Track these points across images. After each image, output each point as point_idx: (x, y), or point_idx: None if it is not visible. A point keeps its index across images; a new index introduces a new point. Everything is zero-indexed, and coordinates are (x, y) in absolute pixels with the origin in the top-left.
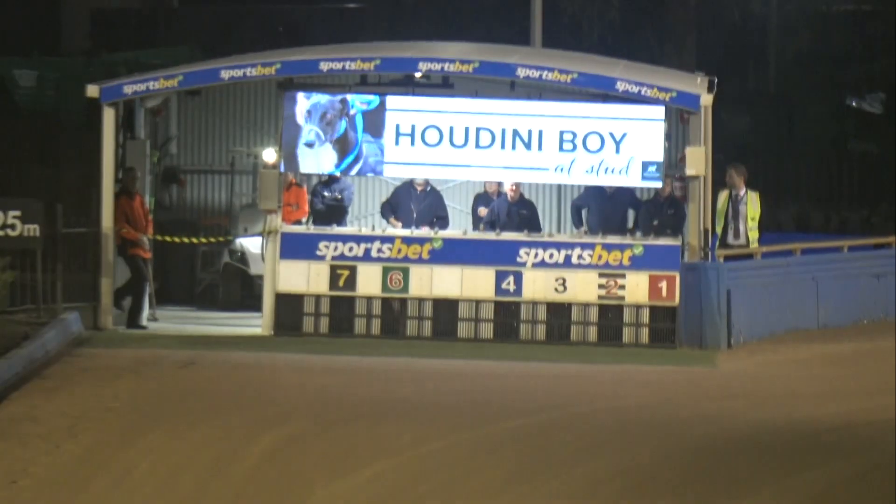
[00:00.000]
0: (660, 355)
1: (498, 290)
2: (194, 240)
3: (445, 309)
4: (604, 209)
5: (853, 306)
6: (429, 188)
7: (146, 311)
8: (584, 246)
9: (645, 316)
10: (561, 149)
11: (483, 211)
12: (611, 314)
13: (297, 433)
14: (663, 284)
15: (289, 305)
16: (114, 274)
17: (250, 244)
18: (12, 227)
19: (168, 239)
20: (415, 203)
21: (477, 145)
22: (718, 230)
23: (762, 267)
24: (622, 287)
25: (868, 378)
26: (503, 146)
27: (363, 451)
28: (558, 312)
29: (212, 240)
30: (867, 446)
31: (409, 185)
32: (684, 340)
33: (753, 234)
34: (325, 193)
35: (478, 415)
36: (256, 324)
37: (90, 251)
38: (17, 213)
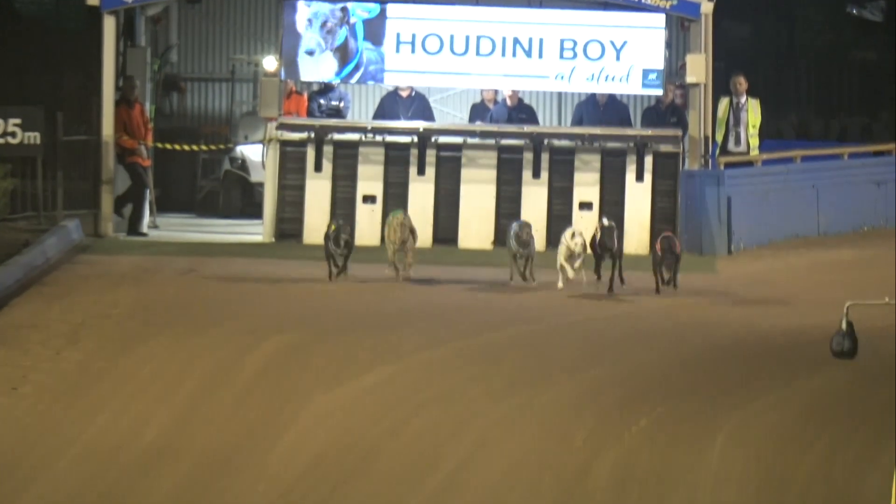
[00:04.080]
0: None
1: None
2: (195, 147)
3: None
4: (599, 122)
5: (853, 213)
6: (414, 94)
7: (147, 219)
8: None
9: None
10: (561, 57)
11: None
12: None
13: (298, 341)
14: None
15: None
16: (114, 181)
17: (251, 152)
18: (13, 134)
19: (168, 147)
20: (402, 110)
21: (477, 53)
22: (719, 138)
23: (762, 174)
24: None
25: (866, 286)
26: (503, 54)
27: (364, 358)
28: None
29: (212, 147)
30: (867, 353)
31: (393, 93)
32: (685, 247)
33: (754, 142)
34: (321, 101)
35: (478, 322)
36: (257, 231)
37: (90, 159)
38: (18, 120)
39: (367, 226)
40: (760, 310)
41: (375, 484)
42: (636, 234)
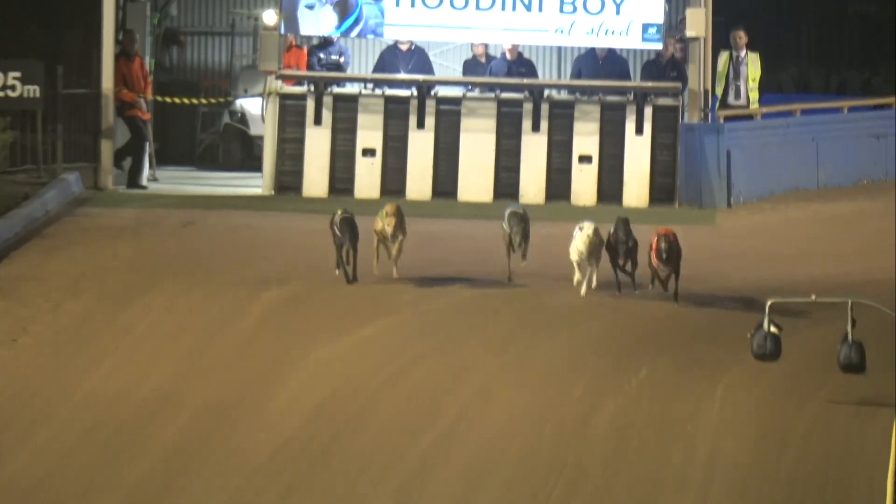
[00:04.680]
0: (659, 214)
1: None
2: (194, 101)
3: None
4: (597, 76)
5: (853, 167)
6: (413, 47)
7: (146, 172)
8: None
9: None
10: (561, 10)
11: None
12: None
13: (297, 293)
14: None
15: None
16: (114, 135)
17: (250, 105)
18: (12, 87)
19: (168, 100)
20: (402, 64)
21: (477, 7)
22: (719, 92)
23: (762, 128)
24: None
25: (867, 238)
26: (503, 8)
27: (363, 310)
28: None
29: (212, 101)
30: (862, 306)
31: (393, 47)
32: (684, 200)
33: (754, 95)
34: (321, 55)
35: (477, 275)
36: (256, 184)
37: (90, 112)
38: (17, 74)
39: (367, 179)
40: (759, 262)
41: (375, 434)
42: (635, 187)
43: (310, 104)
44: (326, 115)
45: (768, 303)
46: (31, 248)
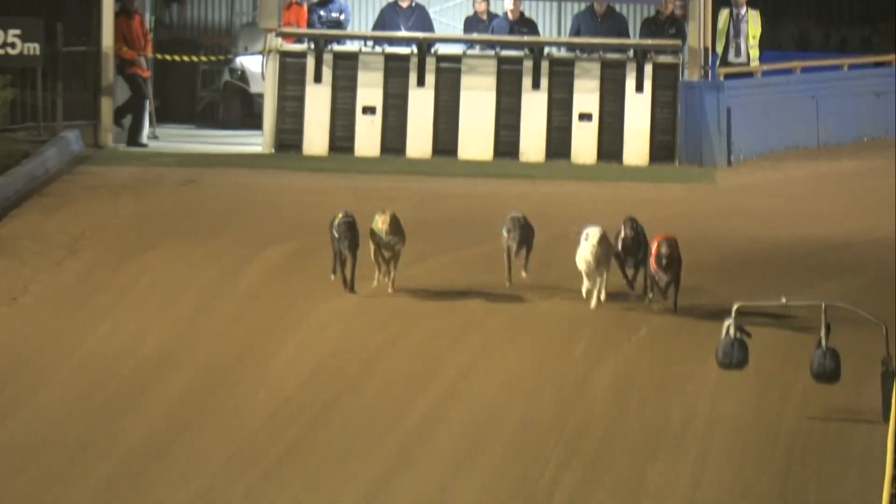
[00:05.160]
0: (660, 172)
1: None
2: (194, 59)
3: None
4: (596, 33)
5: (853, 124)
6: (414, 4)
7: (146, 130)
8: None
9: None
10: None
11: None
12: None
13: (297, 251)
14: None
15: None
16: (114, 92)
17: (250, 63)
18: (12, 45)
19: (168, 58)
20: (402, 21)
21: None
22: (719, 49)
23: (762, 85)
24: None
25: (867, 196)
26: None
27: (363, 267)
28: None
29: (212, 58)
30: (864, 263)
31: (393, 4)
32: (684, 158)
33: (754, 53)
34: (321, 13)
35: (478, 234)
36: (256, 142)
37: (90, 70)
38: (17, 31)
39: (367, 137)
40: (760, 220)
41: (376, 393)
42: (635, 146)
43: (310, 62)
44: (326, 73)
45: (734, 306)
46: (31, 206)
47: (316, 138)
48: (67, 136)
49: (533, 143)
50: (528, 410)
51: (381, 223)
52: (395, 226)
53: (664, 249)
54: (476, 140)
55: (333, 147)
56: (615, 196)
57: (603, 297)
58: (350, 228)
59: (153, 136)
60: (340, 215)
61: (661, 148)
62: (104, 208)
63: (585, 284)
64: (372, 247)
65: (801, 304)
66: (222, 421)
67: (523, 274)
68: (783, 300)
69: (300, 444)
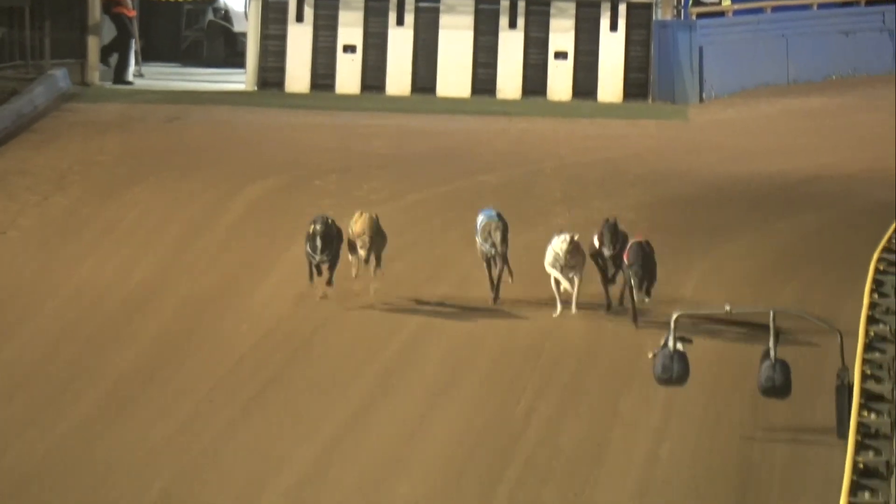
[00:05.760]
0: (634, 109)
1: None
2: None
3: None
4: None
5: (822, 62)
6: None
7: (132, 68)
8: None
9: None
10: None
11: None
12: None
13: (280, 185)
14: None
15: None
16: (100, 31)
17: (234, 2)
18: None
19: None
20: None
21: None
22: None
23: (734, 24)
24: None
25: (836, 132)
26: None
27: (344, 202)
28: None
29: None
30: (834, 198)
31: None
32: (657, 95)
33: None
34: None
35: (456, 169)
36: (240, 80)
37: (77, 9)
38: None
39: (348, 75)
40: (731, 156)
41: (358, 325)
42: (609, 83)
43: (292, 1)
44: (308, 12)
45: (674, 316)
46: (19, 142)
47: (298, 76)
48: (55, 74)
49: (509, 80)
50: (504, 342)
51: (358, 242)
52: (375, 236)
53: (636, 255)
54: (454, 78)
55: (315, 85)
56: (589, 132)
57: (573, 310)
58: (329, 239)
59: (139, 75)
60: (319, 226)
61: (635, 85)
62: (91, 144)
63: (555, 291)
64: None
65: (747, 311)
66: (206, 352)
67: (510, 281)
68: (727, 307)
69: (282, 376)
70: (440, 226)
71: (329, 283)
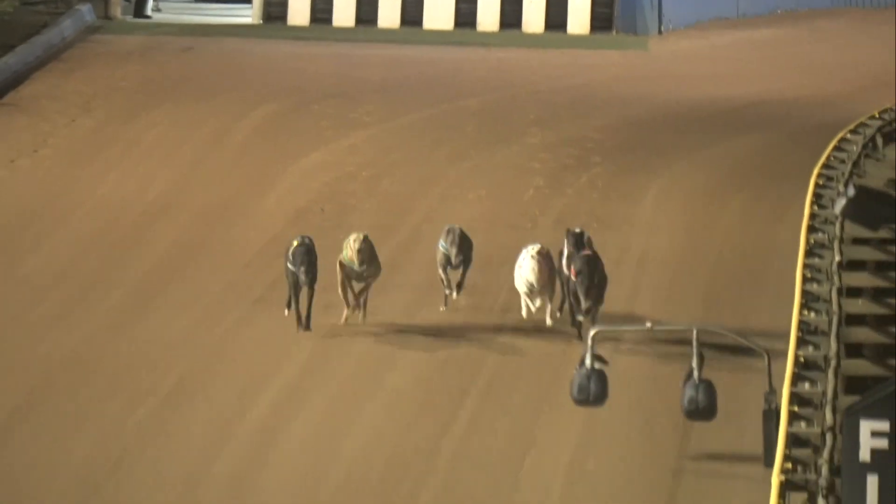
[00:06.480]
0: (599, 41)
1: None
2: None
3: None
4: None
5: None
6: None
7: (150, 3)
8: None
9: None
10: None
11: None
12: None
13: (284, 108)
14: None
15: None
16: None
17: None
18: None
19: None
20: None
21: None
22: None
23: None
24: None
25: (781, 62)
26: None
27: (341, 125)
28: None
29: None
30: (779, 120)
31: None
32: (620, 28)
33: None
34: None
35: (441, 94)
36: (247, 14)
37: None
38: None
39: (343, 9)
40: (687, 83)
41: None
42: (578, 17)
43: None
44: None
45: (591, 333)
46: (49, 70)
47: (299, 10)
48: (81, 8)
49: (488, 14)
50: (485, 242)
51: (351, 252)
52: (368, 253)
53: (583, 268)
54: (439, 11)
55: (314, 18)
56: (560, 61)
57: (549, 322)
58: (308, 254)
59: (157, 9)
60: (296, 242)
61: (601, 18)
62: (114, 72)
63: (524, 309)
64: (340, 277)
65: (670, 328)
66: (217, 257)
67: (454, 295)
68: (648, 324)
69: (285, 278)
70: (428, 144)
71: (305, 325)
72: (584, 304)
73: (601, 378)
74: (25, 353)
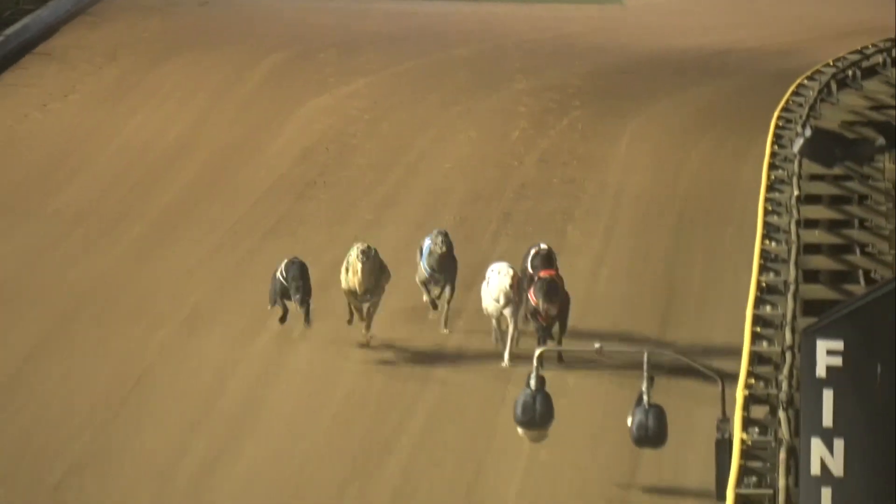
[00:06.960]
0: None
1: None
2: None
3: None
4: None
5: None
6: None
7: None
8: None
9: None
10: None
11: None
12: None
13: (291, 57)
14: None
15: None
16: None
17: None
18: None
19: None
20: None
21: None
22: None
23: None
24: None
25: (746, 14)
26: None
27: (343, 72)
28: None
29: None
30: (743, 67)
31: None
32: None
33: None
34: None
35: (434, 45)
36: None
37: None
38: None
39: None
40: (659, 34)
41: (356, 170)
42: None
43: None
44: None
45: (536, 352)
46: (78, 23)
47: None
48: None
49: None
50: (474, 182)
51: (354, 278)
52: (372, 274)
53: (543, 292)
54: None
55: None
56: (543, 14)
57: (507, 354)
58: (301, 273)
59: None
60: (285, 261)
61: None
62: (137, 25)
63: (494, 333)
64: (346, 300)
65: (619, 350)
66: (230, 194)
67: (444, 331)
68: (596, 345)
69: (292, 213)
70: (422, 90)
71: (305, 318)
72: (544, 330)
73: (546, 399)
74: (56, 281)
